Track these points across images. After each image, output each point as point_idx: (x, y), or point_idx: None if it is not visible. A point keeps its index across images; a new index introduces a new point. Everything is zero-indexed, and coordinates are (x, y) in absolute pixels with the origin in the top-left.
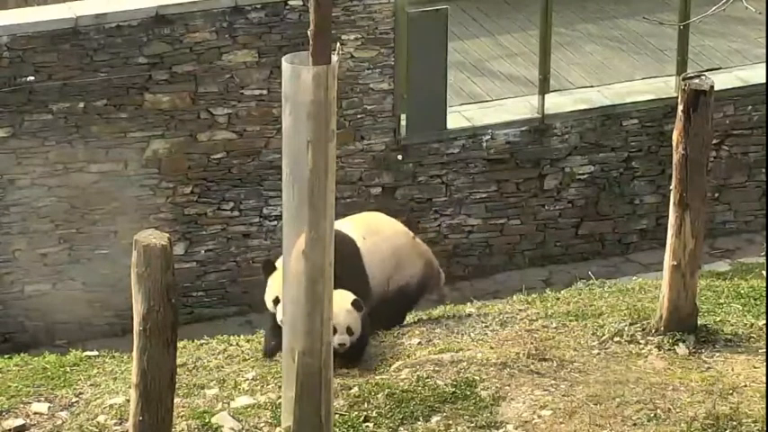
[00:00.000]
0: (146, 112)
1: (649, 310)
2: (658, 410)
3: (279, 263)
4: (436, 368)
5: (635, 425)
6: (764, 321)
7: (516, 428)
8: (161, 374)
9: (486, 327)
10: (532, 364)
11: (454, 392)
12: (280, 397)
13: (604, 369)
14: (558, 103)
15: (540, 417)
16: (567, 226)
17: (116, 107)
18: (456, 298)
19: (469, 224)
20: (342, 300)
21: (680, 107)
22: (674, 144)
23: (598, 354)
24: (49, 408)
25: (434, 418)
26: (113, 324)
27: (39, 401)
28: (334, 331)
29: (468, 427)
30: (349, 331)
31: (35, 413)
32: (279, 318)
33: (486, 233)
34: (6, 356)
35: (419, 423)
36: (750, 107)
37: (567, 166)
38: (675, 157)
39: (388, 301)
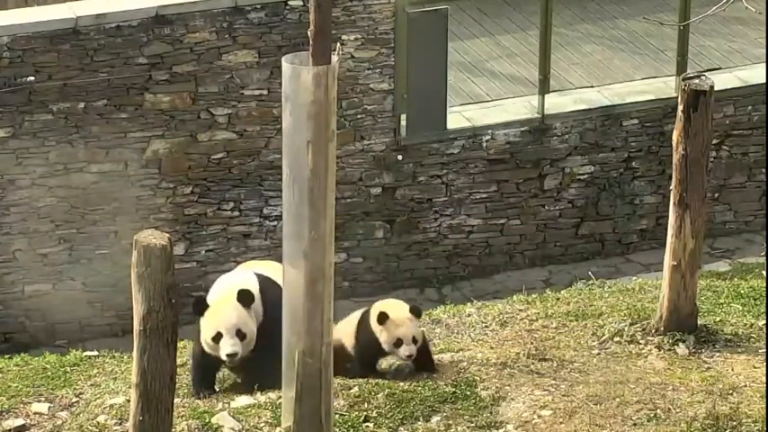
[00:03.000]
0: (146, 113)
1: (649, 310)
2: (658, 410)
3: (212, 299)
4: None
5: (635, 425)
6: (764, 321)
7: (516, 428)
8: (161, 374)
9: (486, 327)
10: (532, 364)
11: (454, 392)
12: (280, 397)
13: (604, 369)
14: (557, 103)
15: (540, 417)
16: (567, 226)
17: (116, 107)
18: (456, 298)
19: (469, 224)
20: (401, 309)
21: (680, 107)
22: (674, 144)
23: (598, 354)
24: (50, 408)
25: (434, 418)
26: (113, 324)
27: (39, 401)
28: (400, 343)
29: (468, 427)
30: (414, 341)
31: (35, 413)
32: (225, 351)
33: (486, 233)
34: (6, 356)
35: (419, 423)
36: (750, 107)
37: (567, 166)
38: (675, 157)
39: None
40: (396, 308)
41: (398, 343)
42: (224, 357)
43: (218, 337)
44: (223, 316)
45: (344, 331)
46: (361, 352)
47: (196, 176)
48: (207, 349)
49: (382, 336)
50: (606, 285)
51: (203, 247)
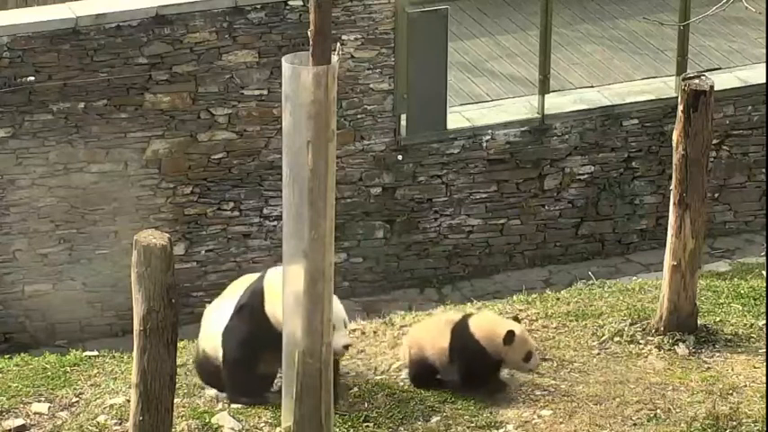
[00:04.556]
0: (146, 113)
1: (649, 310)
2: (658, 410)
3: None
4: None
5: (635, 425)
6: (764, 321)
7: (516, 428)
8: (161, 374)
9: None
10: None
11: (454, 392)
12: (280, 397)
13: (604, 369)
14: (557, 103)
15: (540, 417)
16: (567, 226)
17: (116, 107)
18: (456, 298)
19: (469, 224)
20: (515, 324)
21: (680, 107)
22: (674, 144)
23: (598, 354)
24: (49, 408)
25: (434, 418)
26: (113, 324)
27: (39, 401)
28: (529, 356)
29: (468, 427)
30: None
31: (35, 413)
32: (344, 342)
33: (486, 233)
34: (6, 356)
35: (419, 423)
36: (750, 107)
37: (567, 166)
38: (675, 157)
39: None
40: (513, 324)
41: (528, 356)
42: (340, 349)
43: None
44: (336, 308)
45: (427, 343)
46: (470, 369)
47: (196, 176)
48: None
49: (510, 354)
50: (606, 285)
51: (203, 247)
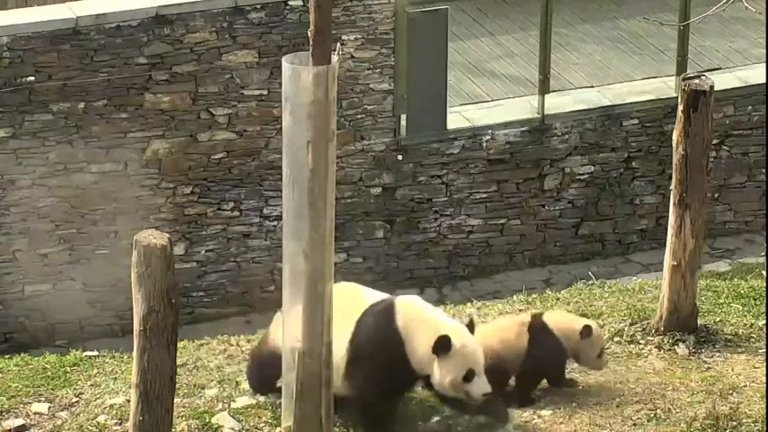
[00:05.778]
0: (146, 113)
1: (649, 310)
2: (658, 410)
3: (454, 341)
4: None
5: (635, 425)
6: (764, 321)
7: (516, 428)
8: (161, 374)
9: None
10: None
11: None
12: (280, 397)
13: (604, 369)
14: (557, 103)
15: (540, 417)
16: (567, 226)
17: (116, 107)
18: (456, 298)
19: (469, 224)
20: (584, 318)
21: (680, 107)
22: (674, 144)
23: None
24: (49, 408)
25: (434, 418)
26: (113, 324)
27: (39, 401)
28: (602, 352)
29: (468, 428)
30: None
31: (35, 413)
32: (484, 391)
33: (486, 233)
34: (6, 356)
35: (419, 423)
36: (750, 107)
37: (567, 166)
38: (675, 157)
39: None
40: (588, 320)
41: (601, 353)
42: (480, 398)
43: (470, 376)
44: (476, 353)
45: (502, 345)
46: (546, 365)
47: (196, 176)
48: (446, 389)
49: (586, 349)
50: (606, 285)
51: (203, 247)
